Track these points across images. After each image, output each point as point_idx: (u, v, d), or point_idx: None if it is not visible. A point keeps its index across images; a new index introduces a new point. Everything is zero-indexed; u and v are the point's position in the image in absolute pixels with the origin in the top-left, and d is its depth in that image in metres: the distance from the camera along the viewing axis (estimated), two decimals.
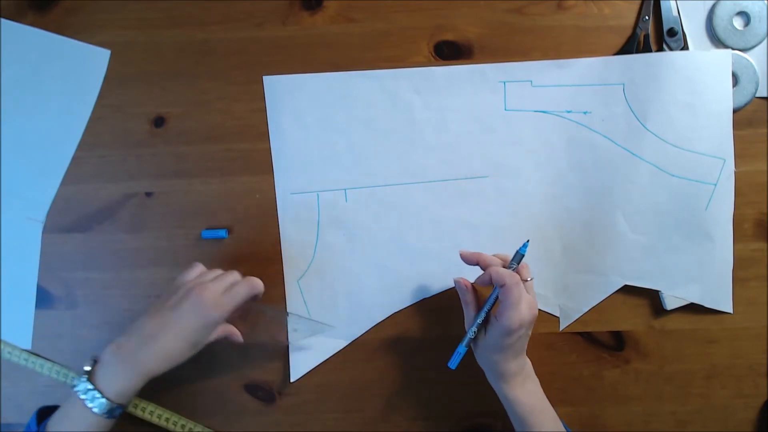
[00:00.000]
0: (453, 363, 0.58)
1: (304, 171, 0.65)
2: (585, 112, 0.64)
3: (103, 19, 0.66)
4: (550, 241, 0.65)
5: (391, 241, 0.65)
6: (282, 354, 0.66)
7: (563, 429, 0.58)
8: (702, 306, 0.65)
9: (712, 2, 0.64)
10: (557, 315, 0.65)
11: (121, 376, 0.54)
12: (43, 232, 0.66)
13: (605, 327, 0.66)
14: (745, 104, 0.64)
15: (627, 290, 0.65)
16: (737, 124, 0.64)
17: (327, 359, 0.66)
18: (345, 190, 0.65)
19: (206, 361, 0.65)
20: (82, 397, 0.53)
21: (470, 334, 0.57)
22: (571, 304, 0.65)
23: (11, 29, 0.66)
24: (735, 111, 0.64)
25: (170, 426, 0.65)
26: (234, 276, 0.58)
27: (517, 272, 0.56)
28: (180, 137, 0.66)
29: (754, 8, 0.63)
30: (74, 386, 0.54)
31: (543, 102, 0.64)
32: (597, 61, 0.64)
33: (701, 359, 0.66)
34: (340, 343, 0.66)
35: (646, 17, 0.64)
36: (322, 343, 0.66)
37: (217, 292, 0.56)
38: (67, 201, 0.67)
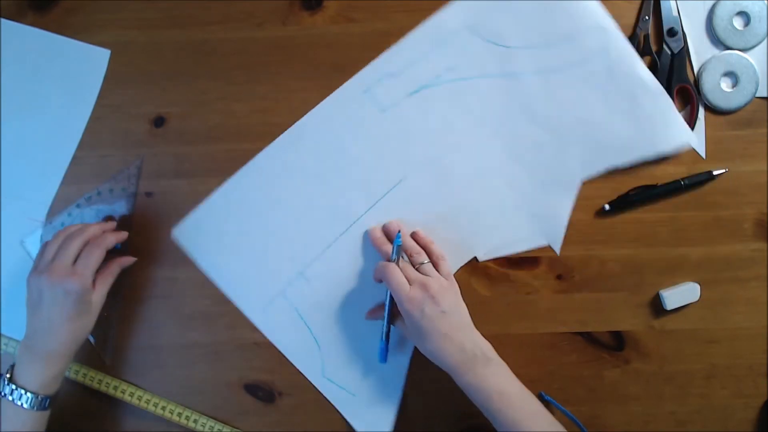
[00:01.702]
0: (381, 359, 0.61)
1: (259, 285, 0.65)
2: (450, 69, 0.64)
3: (103, 19, 0.66)
4: (495, 190, 0.65)
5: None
6: (282, 354, 0.66)
7: (536, 408, 0.55)
8: (702, 306, 0.65)
9: (712, 2, 0.64)
10: (546, 244, 0.65)
11: (38, 369, 0.57)
12: (43, 232, 0.66)
13: (605, 327, 0.66)
14: (745, 104, 0.64)
15: (627, 290, 0.65)
16: (737, 124, 0.65)
17: None
18: (302, 272, 0.65)
19: (206, 361, 0.65)
20: (10, 398, 0.56)
21: (384, 328, 0.60)
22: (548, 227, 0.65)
23: (11, 29, 0.66)
24: (735, 111, 0.64)
25: (179, 419, 0.65)
26: (78, 242, 0.58)
27: (410, 258, 0.59)
28: (180, 137, 0.66)
29: (754, 8, 0.63)
30: (2, 392, 0.56)
31: (412, 83, 0.64)
32: (428, 27, 0.64)
33: (701, 359, 0.66)
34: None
35: (646, 17, 0.64)
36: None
37: (64, 268, 0.57)
38: (67, 201, 0.67)
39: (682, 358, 0.66)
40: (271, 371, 0.66)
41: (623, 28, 0.64)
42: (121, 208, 0.66)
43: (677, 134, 0.63)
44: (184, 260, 0.66)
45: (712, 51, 0.64)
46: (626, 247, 0.65)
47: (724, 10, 0.63)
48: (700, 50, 0.64)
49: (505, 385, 0.55)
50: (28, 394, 0.56)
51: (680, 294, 0.65)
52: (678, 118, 0.63)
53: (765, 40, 0.64)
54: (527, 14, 0.63)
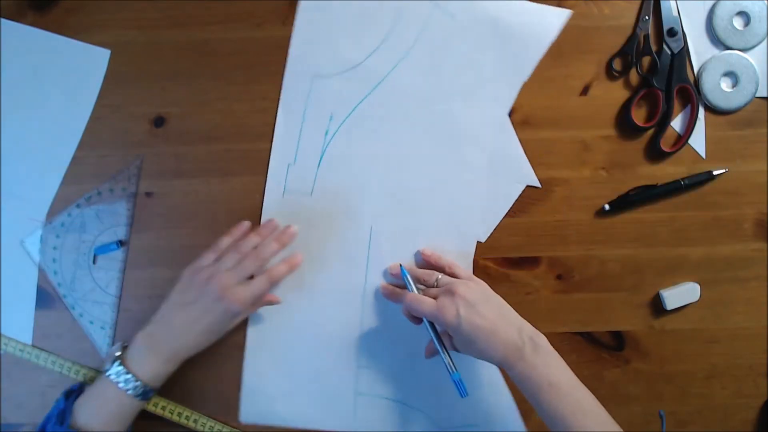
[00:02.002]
0: (462, 393, 0.57)
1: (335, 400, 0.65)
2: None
3: (103, 19, 0.66)
4: (449, 174, 0.65)
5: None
6: None
7: (588, 402, 0.52)
8: (702, 306, 0.65)
9: (712, 2, 0.64)
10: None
11: (153, 362, 0.57)
12: (43, 232, 0.66)
13: (605, 327, 0.66)
14: (745, 104, 0.64)
15: (627, 290, 0.65)
16: (737, 124, 0.65)
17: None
18: (359, 365, 0.65)
19: (206, 361, 0.65)
20: (116, 380, 0.55)
21: (445, 361, 0.58)
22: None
23: (11, 29, 0.66)
24: (735, 111, 0.64)
25: (179, 418, 0.65)
26: (254, 263, 0.59)
27: (423, 283, 0.60)
28: (180, 137, 0.66)
29: (754, 8, 0.63)
30: (106, 371, 0.56)
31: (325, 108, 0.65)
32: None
33: (701, 359, 0.66)
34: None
35: (646, 17, 0.64)
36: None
37: (235, 286, 0.58)
38: (67, 201, 0.66)
39: (682, 358, 0.66)
40: None
41: (623, 28, 0.64)
42: (121, 208, 0.66)
43: None
44: (184, 260, 0.65)
45: (712, 51, 0.64)
46: (626, 247, 0.65)
47: (724, 10, 0.63)
48: (700, 50, 0.64)
49: (557, 375, 0.52)
50: (137, 382, 0.56)
51: (680, 294, 0.65)
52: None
53: (765, 40, 0.64)
54: None
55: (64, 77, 0.66)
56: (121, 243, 0.66)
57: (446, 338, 0.58)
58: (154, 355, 0.57)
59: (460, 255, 0.65)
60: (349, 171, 0.65)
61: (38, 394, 0.67)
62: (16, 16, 0.66)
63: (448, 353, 0.58)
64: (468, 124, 0.64)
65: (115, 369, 0.56)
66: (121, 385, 0.55)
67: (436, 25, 0.64)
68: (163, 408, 0.65)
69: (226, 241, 0.61)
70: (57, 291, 0.66)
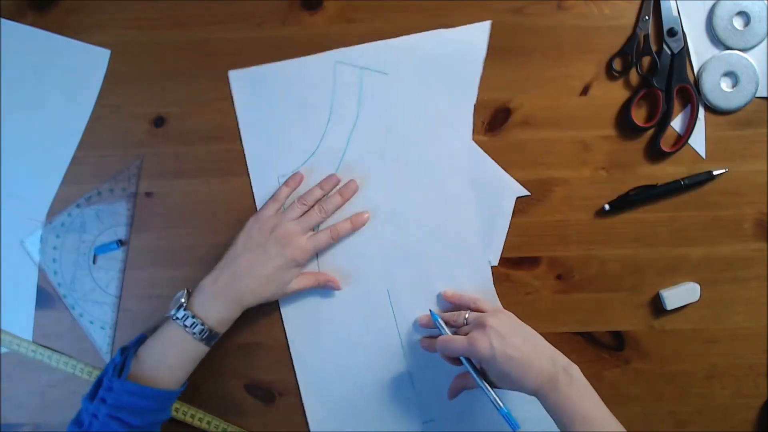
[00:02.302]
0: (513, 426, 0.55)
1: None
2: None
3: (103, 19, 0.66)
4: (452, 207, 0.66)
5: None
6: (282, 353, 0.66)
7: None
8: (702, 306, 0.65)
9: (712, 2, 0.64)
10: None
11: (219, 306, 0.58)
12: (43, 232, 0.66)
13: (605, 327, 0.66)
14: (745, 104, 0.64)
15: (627, 290, 0.65)
16: (737, 124, 0.65)
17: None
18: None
19: (206, 361, 0.65)
20: (183, 324, 0.57)
21: (490, 397, 0.56)
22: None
23: (11, 29, 0.66)
24: (735, 111, 0.64)
25: (183, 417, 0.65)
26: (319, 215, 0.62)
27: (453, 325, 0.60)
28: (180, 137, 0.66)
29: (754, 8, 0.63)
30: (173, 314, 0.57)
31: None
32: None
33: (701, 359, 0.66)
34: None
35: (646, 17, 0.64)
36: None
37: (300, 235, 0.61)
38: (67, 201, 0.66)
39: (682, 358, 0.66)
40: (271, 371, 0.66)
41: (623, 28, 0.64)
42: (121, 208, 0.66)
43: None
44: (184, 260, 0.66)
45: (712, 51, 0.64)
46: (626, 247, 0.65)
47: (724, 10, 0.63)
48: (700, 50, 0.64)
49: (590, 408, 0.52)
50: (203, 325, 0.57)
51: (680, 294, 0.65)
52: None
53: (765, 40, 0.64)
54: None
55: (64, 77, 0.66)
56: (121, 242, 0.66)
57: (484, 376, 0.57)
58: (219, 299, 0.58)
59: (479, 284, 0.65)
60: (346, 246, 0.65)
61: (38, 394, 0.67)
62: (16, 16, 0.66)
63: (490, 388, 0.56)
64: (440, 163, 0.65)
65: (182, 313, 0.57)
66: (188, 329, 0.57)
67: (372, 86, 0.64)
68: (176, 410, 0.65)
69: (285, 191, 0.63)
70: (57, 291, 0.66)
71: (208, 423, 0.65)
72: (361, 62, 0.65)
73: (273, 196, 0.63)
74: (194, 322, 0.57)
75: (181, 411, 0.65)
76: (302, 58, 0.65)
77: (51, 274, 0.66)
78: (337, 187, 0.64)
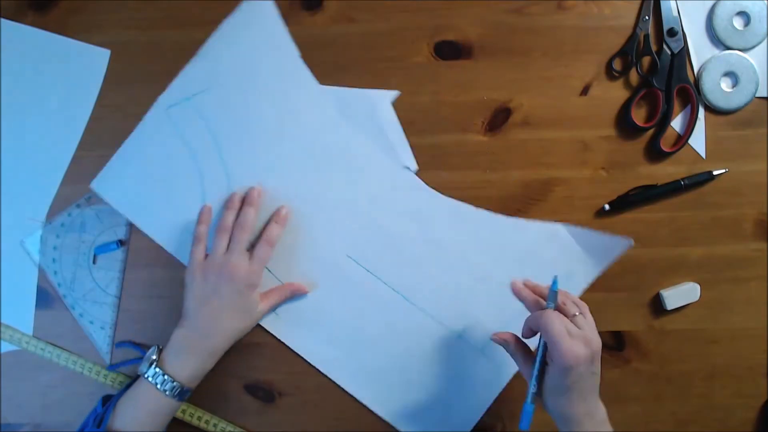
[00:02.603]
0: (524, 425, 0.53)
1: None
2: None
3: (103, 19, 0.66)
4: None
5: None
6: (282, 353, 0.66)
7: None
8: (702, 306, 0.65)
9: (712, 2, 0.64)
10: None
11: (191, 362, 0.58)
12: (43, 232, 0.66)
13: (605, 327, 0.66)
14: (745, 104, 0.64)
15: (627, 290, 0.65)
16: (737, 124, 0.65)
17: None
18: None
19: None
20: (154, 382, 0.57)
21: (532, 388, 0.53)
22: None
23: (11, 29, 0.66)
24: (735, 111, 0.64)
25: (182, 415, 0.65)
26: (243, 234, 0.60)
27: (560, 310, 0.54)
28: None
29: (754, 8, 0.63)
30: (144, 373, 0.57)
31: None
32: None
33: (701, 359, 0.66)
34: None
35: (646, 17, 0.64)
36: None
37: (240, 260, 0.60)
38: (67, 201, 0.66)
39: (682, 358, 0.66)
40: (271, 371, 0.66)
41: (623, 28, 0.64)
42: None
43: None
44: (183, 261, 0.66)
45: (712, 51, 0.64)
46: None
47: (724, 10, 0.63)
48: (700, 50, 0.64)
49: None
50: (174, 383, 0.57)
51: (680, 294, 0.65)
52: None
53: (765, 40, 0.64)
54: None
55: (64, 77, 0.66)
56: (121, 242, 0.66)
57: (548, 360, 0.54)
58: (190, 354, 0.58)
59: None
60: (285, 250, 0.65)
61: (38, 394, 0.67)
62: (16, 16, 0.66)
63: (538, 384, 0.54)
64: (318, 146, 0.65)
65: (152, 371, 0.57)
66: (158, 386, 0.57)
67: (209, 107, 0.65)
68: (183, 411, 0.65)
69: (203, 229, 0.62)
70: (57, 291, 0.66)
71: (206, 422, 0.65)
72: (185, 93, 0.64)
73: (194, 238, 0.62)
74: (164, 380, 0.57)
75: (188, 413, 0.65)
76: (137, 128, 0.65)
77: (51, 274, 0.66)
78: (243, 200, 0.63)
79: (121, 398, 0.58)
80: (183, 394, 0.58)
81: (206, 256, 0.61)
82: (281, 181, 0.64)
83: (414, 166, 0.65)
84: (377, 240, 0.65)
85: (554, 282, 0.54)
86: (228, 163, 0.65)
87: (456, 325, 0.65)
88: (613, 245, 0.64)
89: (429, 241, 0.65)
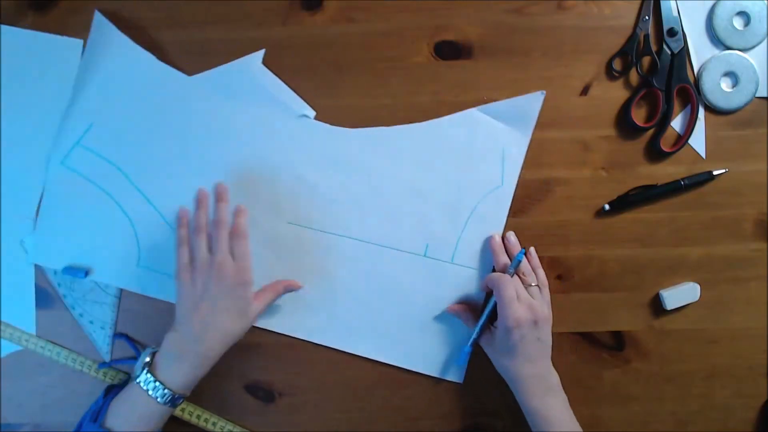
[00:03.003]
0: (461, 361, 0.60)
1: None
2: None
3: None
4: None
5: None
6: (282, 353, 0.66)
7: None
8: (702, 306, 0.65)
9: (712, 2, 0.64)
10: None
11: (184, 369, 0.57)
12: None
13: (605, 327, 0.66)
14: (745, 104, 0.64)
15: (627, 290, 0.65)
16: (737, 124, 0.65)
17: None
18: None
19: None
20: (145, 388, 0.56)
21: (474, 335, 0.61)
22: None
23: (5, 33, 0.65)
24: (735, 111, 0.64)
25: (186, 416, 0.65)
26: (221, 231, 0.59)
27: (521, 278, 0.61)
28: None
29: (754, 8, 0.63)
30: (137, 378, 0.56)
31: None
32: None
33: (701, 359, 0.66)
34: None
35: (646, 17, 0.64)
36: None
37: (226, 261, 0.58)
38: None
39: (682, 358, 0.66)
40: (271, 371, 0.66)
41: (623, 28, 0.64)
42: None
43: None
44: None
45: (712, 51, 0.64)
46: (626, 247, 0.65)
47: (724, 10, 0.63)
48: (700, 50, 0.64)
49: (566, 420, 0.58)
50: (166, 391, 0.56)
51: (680, 294, 0.65)
52: None
53: (765, 40, 0.64)
54: None
55: (39, 71, 0.65)
56: (87, 273, 0.65)
57: (487, 329, 0.62)
58: (184, 361, 0.57)
59: None
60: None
61: (38, 394, 0.67)
62: (16, 16, 0.66)
63: (480, 334, 0.62)
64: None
65: (144, 377, 0.56)
66: (150, 393, 0.56)
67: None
68: (182, 410, 0.65)
69: (183, 232, 0.61)
70: (57, 291, 0.66)
71: (205, 420, 0.65)
72: (72, 140, 0.65)
73: (177, 242, 0.60)
74: (156, 386, 0.56)
75: (187, 411, 0.65)
76: (44, 191, 0.65)
77: (51, 273, 0.66)
78: (211, 197, 0.62)
79: (115, 398, 0.57)
80: (175, 401, 0.57)
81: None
82: (199, 179, 0.64)
83: (311, 112, 0.65)
84: (309, 196, 0.65)
85: (520, 253, 0.61)
86: (140, 184, 0.65)
87: (418, 247, 0.65)
88: (530, 104, 0.64)
89: (357, 176, 0.65)
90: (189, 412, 0.65)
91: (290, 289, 0.64)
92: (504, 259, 0.63)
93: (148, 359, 0.58)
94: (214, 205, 0.61)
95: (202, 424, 0.65)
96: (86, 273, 0.65)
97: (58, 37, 0.65)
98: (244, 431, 0.66)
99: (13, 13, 0.66)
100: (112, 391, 0.59)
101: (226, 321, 0.58)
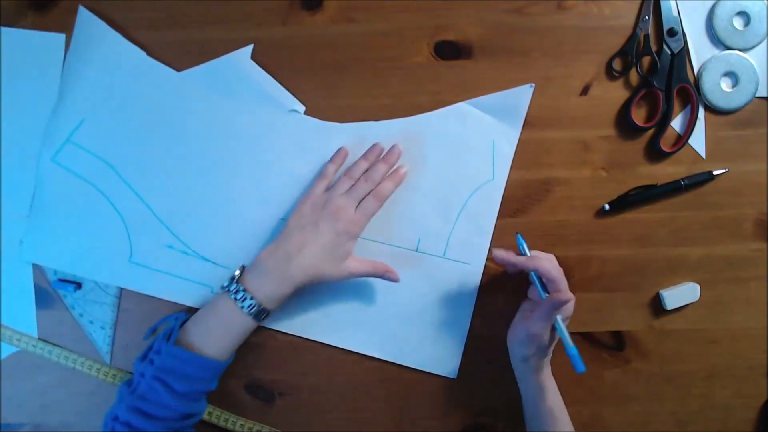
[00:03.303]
0: (580, 367, 0.56)
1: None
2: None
3: (102, 19, 0.66)
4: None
5: None
6: (282, 353, 0.66)
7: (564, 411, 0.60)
8: (702, 306, 0.65)
9: (712, 2, 0.64)
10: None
11: (270, 283, 0.58)
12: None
13: (605, 327, 0.66)
14: (745, 104, 0.64)
15: (627, 290, 0.65)
16: (737, 124, 0.65)
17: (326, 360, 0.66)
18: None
19: None
20: (233, 297, 0.57)
21: (566, 336, 0.57)
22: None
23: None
24: (735, 111, 0.64)
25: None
26: (367, 185, 0.61)
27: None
28: None
29: (754, 8, 0.63)
30: (225, 287, 0.58)
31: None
32: None
33: (701, 359, 0.66)
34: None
35: (646, 17, 0.64)
36: None
37: (350, 208, 0.60)
38: None
39: (682, 358, 0.66)
40: (271, 371, 0.66)
41: (623, 28, 0.64)
42: None
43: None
44: None
45: (712, 51, 0.64)
46: (626, 247, 0.65)
47: (724, 10, 0.63)
48: (700, 50, 0.64)
49: (555, 389, 0.61)
50: (252, 300, 0.57)
51: (680, 294, 0.65)
52: None
53: (765, 40, 0.64)
54: None
55: (25, 68, 0.65)
56: (78, 286, 0.66)
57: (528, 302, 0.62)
58: (271, 276, 0.58)
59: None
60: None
61: (38, 394, 0.67)
62: (16, 16, 0.66)
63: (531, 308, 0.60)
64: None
65: (234, 286, 0.58)
66: (238, 303, 0.57)
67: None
68: (209, 414, 0.65)
69: (332, 168, 0.63)
70: (57, 291, 0.66)
71: (232, 423, 0.65)
72: (61, 137, 0.65)
73: (320, 173, 0.63)
74: (244, 296, 0.57)
75: (214, 415, 0.65)
76: (35, 189, 0.65)
77: (51, 274, 0.66)
78: (382, 155, 0.64)
79: (198, 312, 0.59)
80: (260, 313, 0.58)
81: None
82: (189, 174, 0.65)
83: (300, 107, 0.65)
84: (299, 191, 0.64)
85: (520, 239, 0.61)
86: (130, 179, 0.65)
87: (410, 242, 0.65)
88: (519, 97, 0.64)
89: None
90: (216, 416, 0.66)
91: (388, 276, 0.63)
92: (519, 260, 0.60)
93: (237, 272, 0.59)
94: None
95: (230, 426, 0.66)
96: (77, 287, 0.65)
97: (40, 32, 0.65)
98: (273, 430, 0.66)
99: (13, 13, 0.66)
100: (180, 319, 0.59)
101: (320, 257, 0.59)
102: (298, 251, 0.59)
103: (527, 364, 0.59)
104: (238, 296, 0.57)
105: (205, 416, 0.65)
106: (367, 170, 0.63)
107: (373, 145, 0.64)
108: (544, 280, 0.59)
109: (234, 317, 0.57)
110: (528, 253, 0.60)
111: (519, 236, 0.61)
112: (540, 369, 0.59)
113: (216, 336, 0.57)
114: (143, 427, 0.54)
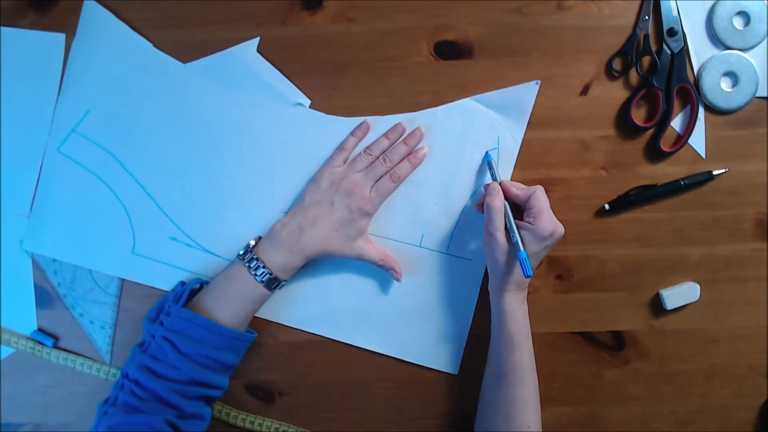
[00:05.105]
0: (528, 271, 0.56)
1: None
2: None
3: None
4: None
5: None
6: (282, 353, 0.66)
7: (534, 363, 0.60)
8: (702, 306, 0.65)
9: (712, 2, 0.64)
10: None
11: (283, 253, 0.60)
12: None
13: (605, 327, 0.66)
14: (745, 104, 0.64)
15: (627, 290, 0.66)
16: (737, 124, 0.65)
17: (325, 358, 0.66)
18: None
19: None
20: (247, 266, 0.59)
21: (517, 240, 0.58)
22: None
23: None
24: (735, 111, 0.64)
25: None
26: (383, 166, 0.62)
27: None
28: None
29: (754, 8, 0.63)
30: (240, 254, 0.60)
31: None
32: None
33: (701, 359, 0.66)
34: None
35: (646, 17, 0.64)
36: None
37: (365, 186, 0.61)
38: None
39: (682, 358, 0.66)
40: (271, 371, 0.66)
41: (623, 28, 0.64)
42: None
43: None
44: None
45: (712, 51, 0.64)
46: (626, 247, 0.65)
47: (724, 10, 0.63)
48: (700, 50, 0.64)
49: (521, 316, 0.60)
50: (265, 269, 0.59)
51: (680, 294, 0.65)
52: None
53: (765, 40, 0.64)
54: None
55: (25, 68, 0.65)
56: (56, 340, 0.66)
57: (526, 223, 0.60)
58: (284, 246, 0.59)
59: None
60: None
61: (38, 393, 0.67)
62: (16, 16, 0.66)
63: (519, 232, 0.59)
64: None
65: (248, 255, 0.59)
66: (251, 271, 0.59)
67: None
68: (227, 414, 0.66)
69: (352, 141, 0.64)
70: (57, 291, 0.66)
71: (250, 422, 0.65)
72: (67, 128, 0.65)
73: (340, 145, 0.63)
74: (257, 264, 0.59)
75: (231, 415, 0.66)
76: (40, 179, 0.65)
77: (51, 273, 0.66)
78: (403, 136, 0.64)
79: (211, 282, 0.60)
80: (272, 282, 0.59)
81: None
82: (193, 165, 0.65)
83: (306, 100, 0.65)
84: (303, 184, 0.64)
85: (487, 155, 0.63)
86: (134, 170, 0.65)
87: (413, 237, 0.65)
88: (525, 94, 0.65)
89: None
90: (234, 416, 0.66)
91: (392, 273, 0.63)
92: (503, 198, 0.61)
93: (252, 242, 0.61)
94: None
95: (248, 425, 0.66)
96: (55, 341, 0.66)
97: (40, 32, 0.65)
98: (299, 430, 0.66)
99: (13, 13, 0.66)
100: (186, 284, 0.61)
101: (332, 233, 0.60)
102: (311, 225, 0.60)
103: (493, 284, 0.60)
104: (252, 264, 0.59)
105: (223, 417, 0.65)
106: (386, 150, 0.63)
107: (396, 125, 0.64)
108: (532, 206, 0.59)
109: (247, 285, 0.59)
110: (497, 172, 0.62)
111: (488, 153, 0.63)
112: (503, 290, 0.59)
113: (227, 302, 0.58)
114: (150, 385, 0.55)
